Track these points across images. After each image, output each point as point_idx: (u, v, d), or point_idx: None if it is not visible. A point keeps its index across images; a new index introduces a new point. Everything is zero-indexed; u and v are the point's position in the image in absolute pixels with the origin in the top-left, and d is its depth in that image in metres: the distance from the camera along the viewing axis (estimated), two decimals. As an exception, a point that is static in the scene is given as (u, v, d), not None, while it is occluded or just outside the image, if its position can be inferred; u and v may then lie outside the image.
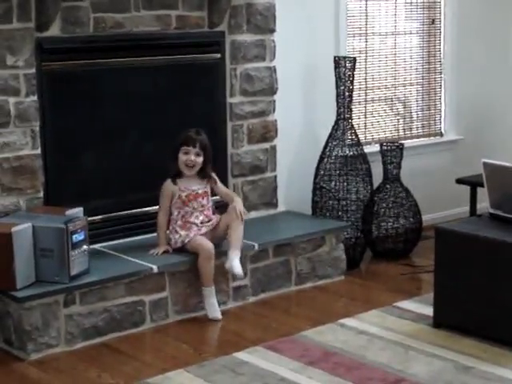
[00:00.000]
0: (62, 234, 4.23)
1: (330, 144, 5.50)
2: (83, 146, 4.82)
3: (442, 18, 6.44)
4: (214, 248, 4.64)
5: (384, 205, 5.72)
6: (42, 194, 4.63)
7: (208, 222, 4.78)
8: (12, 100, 4.46)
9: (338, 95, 5.49)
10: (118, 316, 4.44)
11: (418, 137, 6.47)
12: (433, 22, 6.43)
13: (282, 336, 4.39)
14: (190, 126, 4.80)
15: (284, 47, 5.42)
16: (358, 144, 5.54)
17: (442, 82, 6.52)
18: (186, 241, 4.70)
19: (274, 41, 5.37)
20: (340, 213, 5.48)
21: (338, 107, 5.50)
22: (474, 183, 5.86)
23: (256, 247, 4.91)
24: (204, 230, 4.74)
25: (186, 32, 5.06)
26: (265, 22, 5.31)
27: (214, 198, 4.93)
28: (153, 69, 5.00)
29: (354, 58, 5.50)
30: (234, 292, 4.85)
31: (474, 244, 4.26)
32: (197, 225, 4.74)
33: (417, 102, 6.46)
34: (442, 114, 6.58)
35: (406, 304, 4.82)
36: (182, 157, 4.73)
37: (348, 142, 5.51)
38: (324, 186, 5.51)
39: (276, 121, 5.47)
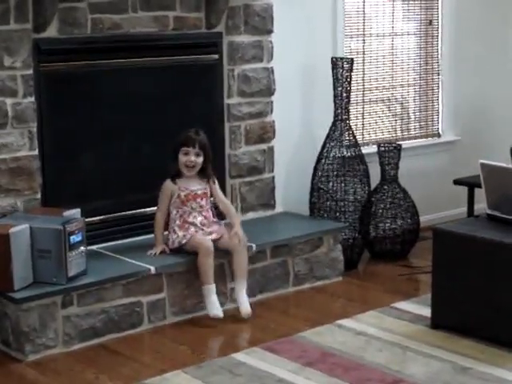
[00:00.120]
0: (60, 235, 4.22)
1: (327, 145, 5.51)
2: (80, 147, 4.82)
3: (440, 18, 6.45)
4: (213, 246, 4.64)
5: (382, 206, 5.72)
6: (39, 195, 4.62)
7: (207, 224, 4.77)
8: (9, 101, 4.45)
9: (335, 96, 5.49)
10: (116, 317, 4.44)
11: (415, 138, 6.48)
12: (430, 22, 6.44)
13: (280, 337, 4.39)
14: (188, 126, 4.80)
15: (281, 48, 5.42)
16: (356, 145, 5.55)
17: (440, 82, 6.53)
18: (184, 241, 4.70)
19: (271, 42, 5.38)
20: (338, 214, 5.49)
21: (336, 108, 5.50)
22: (471, 184, 5.87)
23: (254, 248, 4.91)
24: (201, 234, 4.73)
25: (183, 33, 5.06)
26: (262, 23, 5.31)
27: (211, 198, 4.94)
28: (150, 70, 5.00)
29: (352, 59, 5.50)
30: (232, 293, 4.84)
31: (472, 245, 4.27)
32: (195, 225, 4.74)
33: (414, 102, 6.47)
34: (440, 114, 6.58)
35: (404, 305, 4.83)
36: (181, 158, 4.73)
37: (346, 142, 5.51)
38: (322, 186, 5.51)
39: (274, 122, 5.47)
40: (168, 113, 5.08)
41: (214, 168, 4.91)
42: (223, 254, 4.71)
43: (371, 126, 6.20)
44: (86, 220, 4.51)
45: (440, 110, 6.58)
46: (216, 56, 5.22)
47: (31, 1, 4.46)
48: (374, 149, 5.86)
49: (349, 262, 5.47)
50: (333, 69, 5.46)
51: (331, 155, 5.49)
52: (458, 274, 4.32)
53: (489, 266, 4.19)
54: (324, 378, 3.90)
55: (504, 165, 4.52)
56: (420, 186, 6.13)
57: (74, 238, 4.29)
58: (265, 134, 5.44)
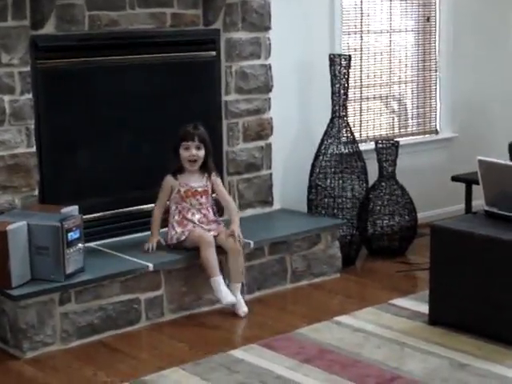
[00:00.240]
0: (57, 232, 4.22)
1: (325, 142, 5.51)
2: (78, 143, 4.81)
3: (437, 15, 6.45)
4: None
5: (379, 202, 5.72)
6: (37, 192, 4.62)
7: (205, 222, 4.77)
8: (7, 98, 4.45)
9: (333, 93, 5.49)
10: (114, 314, 4.44)
11: (413, 134, 6.48)
12: (428, 19, 6.44)
13: (278, 333, 4.40)
14: (185, 123, 4.79)
15: (279, 45, 5.42)
16: (354, 142, 5.55)
17: (437, 79, 6.53)
18: (183, 238, 4.70)
19: (269, 38, 5.37)
20: (335, 210, 5.49)
21: (334, 105, 5.50)
22: (469, 181, 5.87)
23: (251, 245, 4.91)
24: (199, 229, 4.73)
25: (181, 30, 5.06)
26: (260, 20, 5.31)
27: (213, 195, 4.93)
28: (148, 67, 5.00)
29: (350, 56, 5.50)
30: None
31: (470, 241, 4.27)
32: (193, 223, 4.74)
33: (412, 99, 6.47)
34: (437, 111, 6.58)
35: (402, 301, 4.83)
36: (183, 153, 4.74)
37: (343, 139, 5.51)
38: (319, 183, 5.51)
39: (271, 119, 5.47)
40: (166, 110, 5.07)
41: (216, 162, 4.92)
42: (220, 250, 4.70)
43: (369, 123, 6.20)
44: (84, 217, 4.50)
45: (438, 107, 6.58)
46: (213, 53, 5.22)
47: (28, -3, 4.47)
48: (371, 146, 5.86)
49: (346, 258, 5.47)
50: (330, 65, 5.46)
51: (329, 152, 5.50)
52: (456, 271, 4.32)
53: (486, 262, 4.20)
54: (322, 375, 3.90)
55: (502, 161, 4.52)
56: (418, 183, 6.13)
57: (72, 235, 4.29)
58: (262, 131, 5.44)
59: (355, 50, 6.02)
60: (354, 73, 5.85)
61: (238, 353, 4.15)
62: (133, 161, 4.99)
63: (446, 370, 3.93)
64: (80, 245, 4.36)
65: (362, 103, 6.14)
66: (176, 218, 4.75)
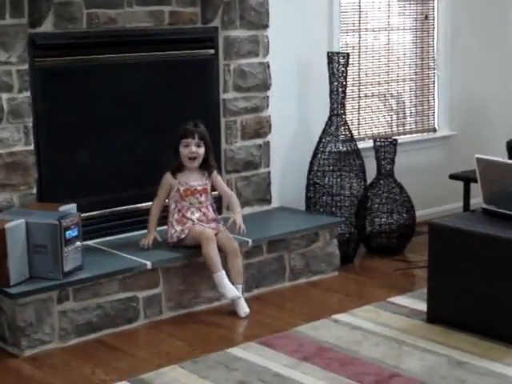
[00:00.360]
0: (56, 230, 4.22)
1: (323, 140, 5.51)
2: (76, 142, 4.81)
3: (436, 13, 6.45)
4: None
5: (377, 200, 5.72)
6: (35, 191, 4.62)
7: (205, 220, 4.76)
8: (5, 96, 4.45)
9: (331, 91, 5.49)
10: (112, 312, 4.44)
11: (411, 132, 6.48)
12: (426, 17, 6.44)
13: (276, 332, 4.40)
14: (183, 121, 4.79)
15: (277, 43, 5.42)
16: (352, 140, 5.55)
17: (436, 77, 6.53)
18: (183, 236, 4.70)
19: (267, 36, 5.37)
20: (334, 209, 5.49)
21: (332, 103, 5.50)
22: (467, 179, 5.87)
23: (250, 243, 4.91)
24: (199, 226, 4.73)
25: (179, 28, 5.06)
26: (258, 18, 5.31)
27: (214, 192, 4.93)
28: (146, 65, 5.00)
29: (348, 54, 5.50)
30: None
31: (468, 239, 4.27)
32: (193, 221, 4.74)
33: (410, 97, 6.46)
34: (436, 109, 6.59)
35: (400, 299, 4.83)
36: (183, 150, 4.74)
37: (341, 137, 5.51)
38: (318, 181, 5.51)
39: (269, 117, 5.47)
40: (164, 108, 5.07)
41: (216, 159, 4.93)
42: (218, 247, 4.70)
43: (367, 121, 6.20)
44: (82, 215, 4.50)
45: (436, 105, 6.58)
46: (212, 51, 5.21)
47: (26, -5, 4.46)
48: (369, 144, 5.86)
49: (345, 256, 5.47)
50: (329, 63, 5.46)
51: (327, 150, 5.50)
52: (454, 269, 4.32)
53: (485, 260, 4.20)
54: (320, 373, 3.90)
55: (500, 159, 4.53)
56: (416, 181, 6.13)
57: (70, 233, 4.29)
58: (261, 129, 5.44)
59: (353, 48, 6.02)
60: (352, 71, 5.85)
61: (236, 351, 4.15)
62: (131, 159, 4.99)
63: (444, 368, 3.94)
64: (78, 243, 4.36)
65: (360, 101, 6.14)
66: (175, 216, 4.75)
